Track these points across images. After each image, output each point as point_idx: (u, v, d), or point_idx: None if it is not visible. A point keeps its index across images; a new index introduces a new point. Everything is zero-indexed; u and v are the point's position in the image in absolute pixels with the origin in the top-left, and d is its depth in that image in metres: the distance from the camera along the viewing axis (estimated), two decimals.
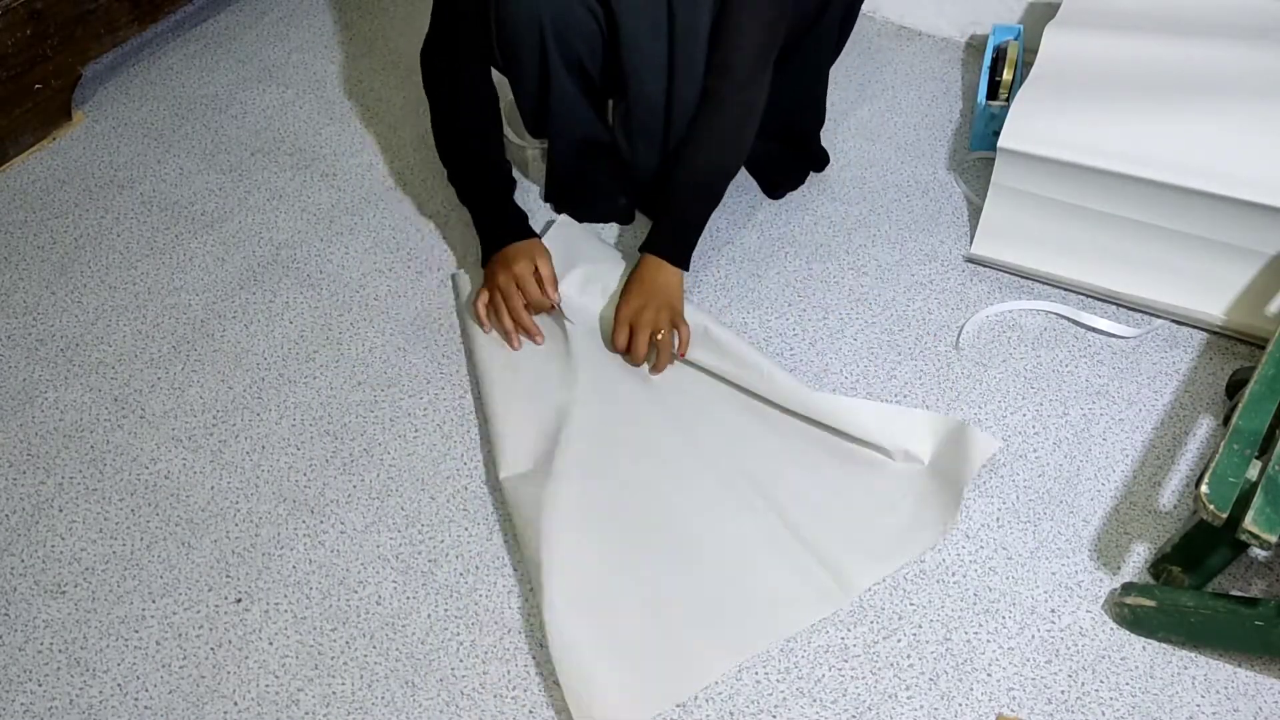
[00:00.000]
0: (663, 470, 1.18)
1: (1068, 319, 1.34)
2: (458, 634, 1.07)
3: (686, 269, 1.30)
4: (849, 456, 1.19)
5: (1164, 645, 1.05)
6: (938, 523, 1.13)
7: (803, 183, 1.54)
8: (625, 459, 1.19)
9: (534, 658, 1.05)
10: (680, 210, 1.32)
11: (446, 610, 1.09)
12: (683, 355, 1.27)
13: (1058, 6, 1.50)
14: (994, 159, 1.34)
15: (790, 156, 1.53)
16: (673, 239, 1.30)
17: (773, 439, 1.21)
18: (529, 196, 1.53)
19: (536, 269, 1.28)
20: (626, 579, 1.09)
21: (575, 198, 1.47)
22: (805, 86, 1.46)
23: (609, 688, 1.00)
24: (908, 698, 1.02)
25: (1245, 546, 1.02)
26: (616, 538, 1.12)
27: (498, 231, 1.32)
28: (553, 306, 1.29)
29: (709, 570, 1.10)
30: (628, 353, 1.27)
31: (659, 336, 1.25)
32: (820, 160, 1.56)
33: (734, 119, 1.29)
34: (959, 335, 1.34)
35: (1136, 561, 1.12)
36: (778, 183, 1.53)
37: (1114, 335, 1.32)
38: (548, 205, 1.51)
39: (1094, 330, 1.33)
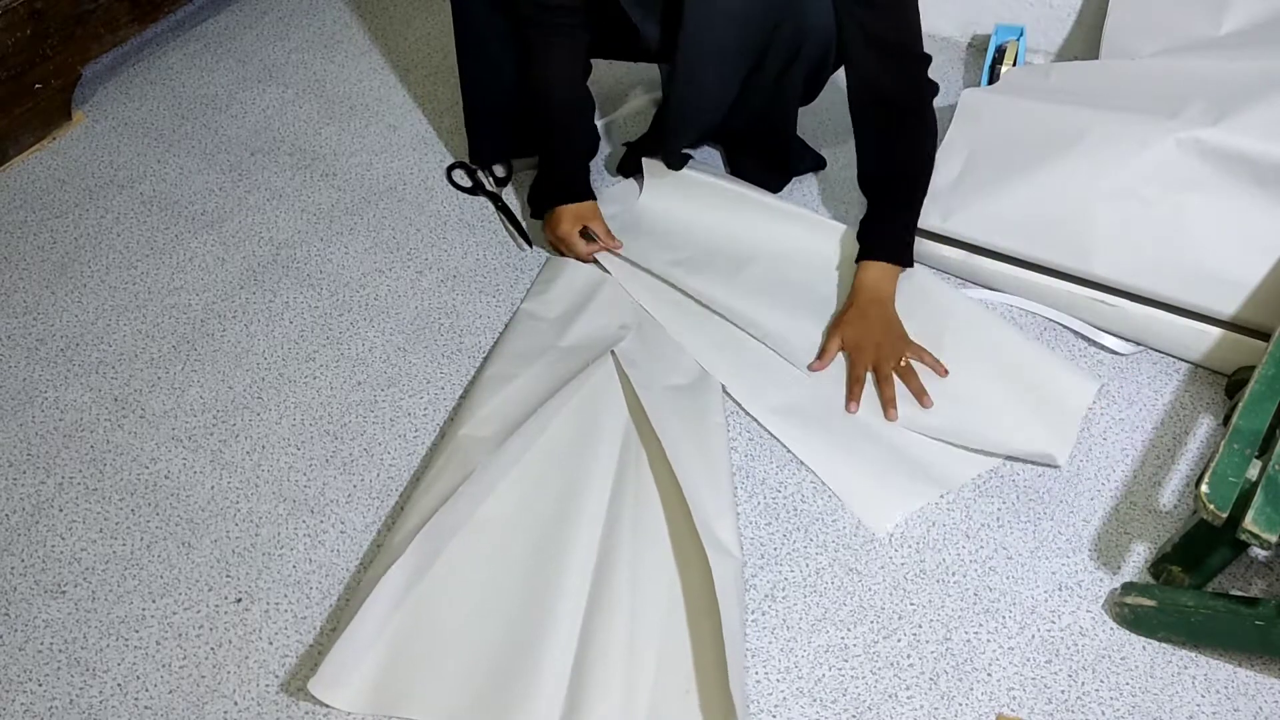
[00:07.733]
0: (570, 532, 1.09)
1: (1067, 328, 1.34)
2: None
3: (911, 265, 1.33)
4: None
5: (1164, 645, 1.05)
6: None
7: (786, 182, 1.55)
8: (554, 502, 1.12)
9: None
10: (900, 205, 1.32)
11: None
12: (943, 374, 1.24)
13: (1059, 6, 1.50)
14: None
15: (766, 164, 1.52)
16: (896, 238, 1.32)
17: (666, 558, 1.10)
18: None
19: (585, 229, 1.38)
20: (475, 609, 1.05)
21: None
22: (773, 115, 1.43)
23: (368, 675, 0.99)
24: (908, 698, 1.02)
25: (1245, 546, 1.02)
26: (499, 572, 1.07)
27: (549, 192, 1.43)
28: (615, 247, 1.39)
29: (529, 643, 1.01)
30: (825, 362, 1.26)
31: (902, 364, 1.24)
32: (808, 162, 1.55)
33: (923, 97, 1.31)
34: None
35: (1136, 561, 1.12)
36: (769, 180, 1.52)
37: (1111, 350, 1.31)
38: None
39: (1093, 342, 1.32)
